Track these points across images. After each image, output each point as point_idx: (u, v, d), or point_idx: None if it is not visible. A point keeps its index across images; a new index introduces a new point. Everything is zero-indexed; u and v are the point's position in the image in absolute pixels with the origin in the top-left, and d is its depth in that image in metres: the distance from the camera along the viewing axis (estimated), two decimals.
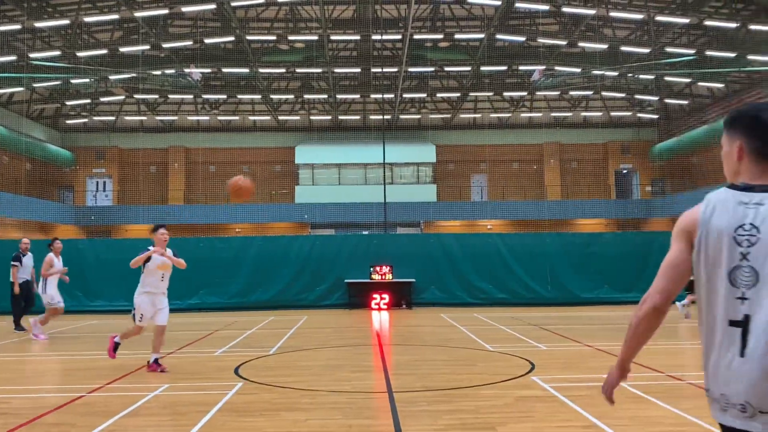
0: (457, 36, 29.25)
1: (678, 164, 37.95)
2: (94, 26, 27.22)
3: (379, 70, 32.46)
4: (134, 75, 30.79)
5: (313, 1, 25.84)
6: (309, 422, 5.75)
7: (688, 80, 33.25)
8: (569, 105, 39.51)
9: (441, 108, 39.84)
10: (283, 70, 32.74)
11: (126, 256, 15.27)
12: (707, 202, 2.23)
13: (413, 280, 18.41)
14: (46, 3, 25.81)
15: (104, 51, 28.17)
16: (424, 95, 37.15)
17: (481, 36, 28.63)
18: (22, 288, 12.99)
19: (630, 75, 32.25)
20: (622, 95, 37.27)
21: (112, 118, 39.48)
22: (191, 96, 36.07)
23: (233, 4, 25.06)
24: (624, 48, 28.87)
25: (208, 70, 31.47)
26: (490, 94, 37.06)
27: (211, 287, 18.04)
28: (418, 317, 15.89)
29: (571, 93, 36.80)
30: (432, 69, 32.64)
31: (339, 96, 36.66)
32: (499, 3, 25.08)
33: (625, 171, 41.23)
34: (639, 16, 26.03)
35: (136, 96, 35.71)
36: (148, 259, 8.51)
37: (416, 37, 28.22)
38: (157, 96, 36.30)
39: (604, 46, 29.06)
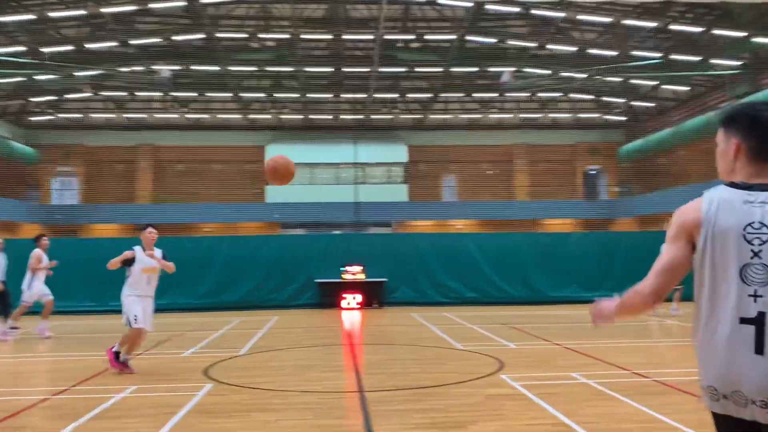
0: (428, 37, 29.38)
1: (644, 165, 38.71)
2: (61, 21, 26.67)
3: (351, 69, 32.45)
4: (101, 72, 30.26)
5: None
6: (279, 423, 5.73)
7: (654, 83, 33.91)
8: (538, 106, 39.97)
9: (412, 108, 39.97)
10: (254, 69, 32.50)
11: (93, 256, 14.93)
12: (709, 201, 2.23)
13: (385, 279, 18.45)
14: None
15: (70, 47, 27.62)
16: (395, 95, 37.23)
17: (452, 37, 28.80)
18: None
19: (598, 77, 32.75)
20: (590, 97, 37.85)
21: (79, 115, 38.72)
22: (160, 93, 35.58)
23: (203, 0, 24.79)
24: (592, 51, 29.32)
25: (178, 68, 31.07)
26: (461, 95, 37.31)
27: (180, 287, 17.78)
28: (389, 317, 15.93)
29: (540, 95, 37.25)
30: (403, 69, 32.73)
31: (310, 95, 36.51)
32: (470, 4, 25.26)
33: (592, 172, 41.88)
34: (607, 20, 26.46)
35: (103, 93, 35.10)
36: (131, 261, 8.23)
37: (387, 37, 28.27)
38: (125, 93, 35.73)
39: (573, 49, 29.48)
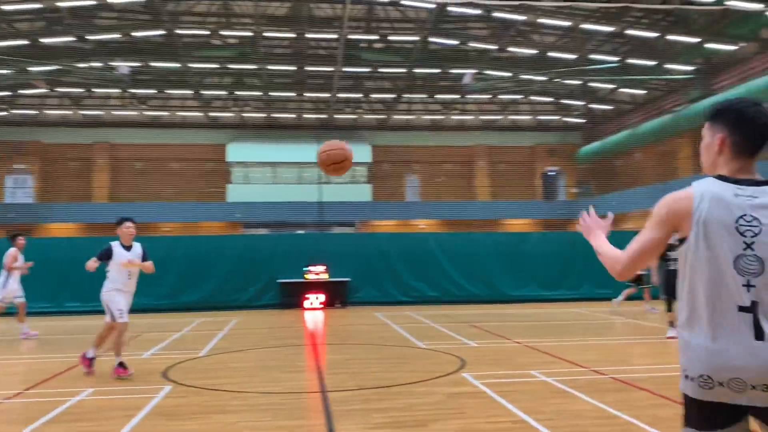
0: (392, 37, 29.47)
1: (601, 167, 39.55)
2: (14, 15, 25.88)
3: (314, 68, 32.32)
4: (57, 67, 29.49)
5: None
6: (240, 424, 5.68)
7: (611, 86, 34.66)
8: (499, 108, 40.47)
9: (376, 109, 40.04)
10: (215, 66, 32.11)
11: (48, 256, 14.59)
12: (699, 194, 2.28)
13: (348, 279, 18.43)
14: None
15: (25, 41, 26.85)
16: (359, 95, 37.24)
17: (415, 38, 28.95)
18: None
19: (557, 80, 33.34)
20: (550, 100, 38.51)
21: (34, 111, 37.66)
22: (118, 90, 34.87)
23: None
24: (551, 54, 29.83)
25: (136, 64, 30.49)
26: (424, 96, 37.53)
27: (138, 288, 17.42)
28: (352, 316, 15.92)
29: (501, 97, 37.72)
30: (367, 69, 32.77)
31: (273, 93, 36.26)
32: (433, 6, 25.42)
33: (551, 173, 42.62)
34: (566, 23, 26.96)
35: (59, 89, 34.21)
36: (108, 256, 7.99)
37: (351, 37, 28.26)
38: (81, 90, 34.89)
39: (533, 52, 29.94)
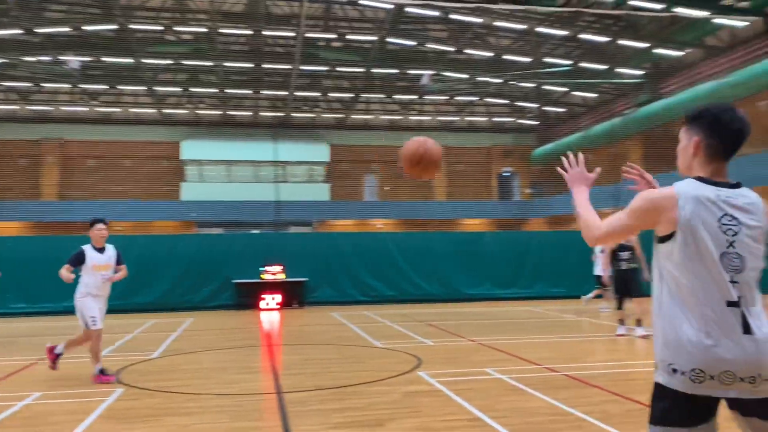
0: (350, 37, 29.44)
1: (554, 168, 40.26)
2: None
3: (271, 66, 32.04)
4: (4, 61, 28.47)
5: None
6: (194, 427, 5.61)
7: (564, 89, 35.38)
8: (456, 109, 40.87)
9: (334, 108, 39.93)
10: (169, 62, 31.50)
11: None
12: (683, 194, 2.36)
13: (305, 279, 18.34)
14: None
15: None
16: (317, 94, 37.08)
17: (373, 38, 28.99)
18: None
19: (512, 82, 33.85)
20: (505, 102, 39.08)
21: None
22: (68, 85, 33.87)
23: None
24: (507, 56, 30.27)
25: (87, 59, 29.67)
26: (382, 96, 37.61)
27: None
28: (309, 316, 15.85)
29: (458, 98, 38.09)
30: (325, 68, 32.66)
31: (229, 91, 35.79)
32: (391, 6, 25.49)
33: (506, 174, 43.28)
34: (521, 27, 27.39)
35: (5, 83, 33.04)
36: (81, 261, 7.69)
37: (309, 35, 28.11)
38: (29, 84, 33.76)
39: (489, 54, 30.33)
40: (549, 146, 39.87)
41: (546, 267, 19.37)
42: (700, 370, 2.27)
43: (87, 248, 7.85)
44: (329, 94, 37.31)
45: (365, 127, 41.48)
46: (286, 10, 28.05)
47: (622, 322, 11.21)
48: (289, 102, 37.07)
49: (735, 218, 2.34)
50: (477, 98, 38.24)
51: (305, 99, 38.25)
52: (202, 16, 27.48)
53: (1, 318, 15.62)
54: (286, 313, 16.80)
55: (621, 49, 28.79)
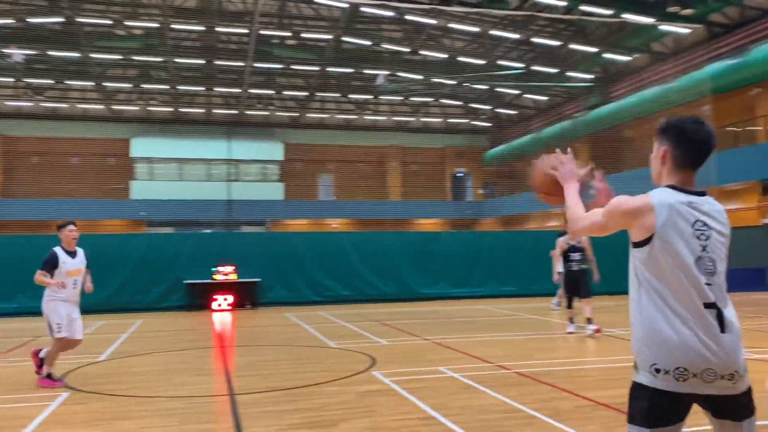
0: (305, 35, 29.27)
1: (506, 169, 41.02)
2: None
3: (225, 63, 31.59)
4: None
5: None
6: (143, 430, 5.49)
7: (516, 92, 35.97)
8: (410, 110, 41.09)
9: (289, 106, 39.63)
10: (119, 57, 30.71)
11: None
12: (658, 202, 2.47)
13: (258, 279, 18.15)
14: None
15: None
16: (271, 92, 36.74)
17: (328, 37, 28.89)
18: None
19: (466, 84, 34.23)
20: (459, 103, 39.50)
21: None
22: (11, 79, 32.65)
23: None
24: (461, 58, 30.59)
25: (32, 52, 28.67)
26: (337, 95, 37.52)
27: (32, 290, 16.40)
28: (262, 317, 15.71)
29: (413, 98, 38.31)
30: (279, 66, 32.38)
31: (181, 87, 35.12)
32: (346, 5, 25.46)
33: (460, 174, 43.77)
34: (475, 29, 27.73)
35: None
36: (55, 265, 7.34)
37: (263, 32, 27.83)
38: None
39: (444, 56, 30.60)
40: (501, 148, 40.52)
41: (498, 266, 19.68)
42: (684, 369, 2.36)
43: (59, 251, 7.52)
44: (284, 92, 37.02)
45: (320, 126, 41.32)
46: (239, 6, 27.70)
47: (572, 320, 11.48)
48: (243, 99, 36.63)
49: (706, 224, 2.47)
50: (432, 99, 38.53)
51: (259, 97, 37.85)
52: (153, 11, 26.90)
53: None
54: (239, 314, 16.60)
55: (571, 53, 29.45)
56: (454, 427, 5.35)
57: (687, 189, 2.53)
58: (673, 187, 2.54)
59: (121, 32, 28.97)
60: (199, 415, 6.08)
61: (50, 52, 29.19)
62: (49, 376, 7.41)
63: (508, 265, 19.59)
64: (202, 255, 17.96)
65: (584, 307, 11.11)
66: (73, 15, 25.56)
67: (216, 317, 15.98)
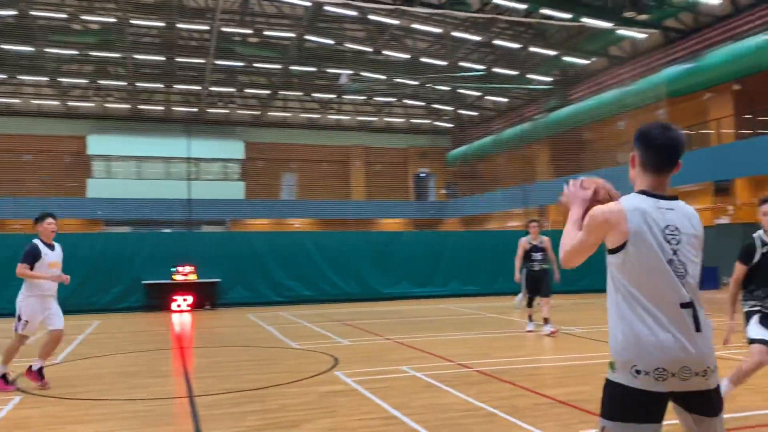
0: (267, 33, 29.03)
1: (468, 170, 41.45)
2: None
3: (185, 60, 31.11)
4: None
5: None
6: None
7: (478, 94, 36.33)
8: (374, 110, 41.12)
9: (250, 104, 39.22)
10: (74, 52, 29.96)
11: None
12: (631, 209, 2.55)
13: (218, 279, 17.94)
14: None
15: None
16: (232, 90, 36.32)
17: (291, 35, 28.71)
18: None
19: (428, 85, 34.42)
20: (422, 104, 39.70)
21: None
22: None
23: None
24: (423, 59, 30.76)
25: None
26: (300, 94, 37.30)
27: None
28: (222, 318, 15.53)
29: (376, 98, 38.36)
30: (241, 64, 32.04)
31: (139, 84, 34.44)
32: (309, 4, 25.35)
33: (423, 175, 44.00)
34: (438, 30, 27.91)
35: None
36: (37, 258, 7.13)
37: (225, 29, 27.50)
38: None
39: (406, 56, 30.71)
40: (463, 148, 40.90)
41: (460, 266, 19.86)
42: (663, 369, 2.44)
43: (39, 244, 7.34)
44: (246, 90, 36.64)
45: (283, 124, 41.02)
46: (200, 2, 27.32)
47: (531, 318, 11.67)
48: (204, 97, 36.13)
49: (676, 228, 2.55)
50: (395, 99, 38.63)
51: (220, 94, 37.39)
52: (111, 6, 26.32)
53: None
54: (199, 315, 16.39)
55: (531, 55, 29.89)
56: (415, 426, 5.39)
57: (658, 194, 2.61)
58: (643, 192, 2.63)
59: (78, 27, 28.27)
60: (158, 417, 5.99)
61: (3, 46, 28.28)
62: (3, 377, 7.20)
63: (470, 264, 19.79)
64: (161, 255, 17.67)
65: (543, 306, 11.30)
66: (26, 8, 24.84)
67: (175, 318, 15.74)
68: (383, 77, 33.19)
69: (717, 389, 2.55)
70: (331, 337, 11.35)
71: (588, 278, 18.05)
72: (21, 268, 7.14)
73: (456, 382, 7.12)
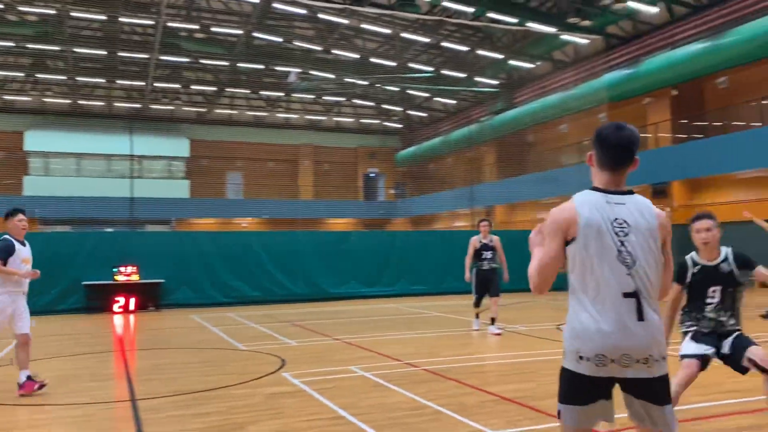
0: (214, 29, 28.55)
1: (417, 170, 41.78)
2: None
3: (128, 54, 30.29)
4: None
5: None
6: None
7: (426, 95, 36.66)
8: (323, 109, 40.97)
9: (196, 101, 38.49)
10: (10, 44, 28.78)
11: None
12: (580, 203, 2.69)
13: (162, 280, 17.55)
14: None
15: None
16: (177, 86, 35.56)
17: (239, 32, 28.32)
18: None
19: (378, 85, 34.52)
20: (371, 104, 39.77)
21: None
22: None
23: None
24: (373, 59, 30.83)
25: None
26: (247, 91, 36.83)
27: None
28: (166, 319, 15.20)
29: (325, 98, 38.22)
30: (186, 60, 31.40)
31: (80, 78, 33.34)
32: (257, 0, 25.06)
33: (372, 175, 44.10)
34: (387, 31, 28.03)
35: None
36: (11, 253, 6.83)
37: (170, 24, 26.90)
38: None
39: (356, 56, 30.73)
40: (412, 149, 41.19)
41: (408, 265, 20.00)
42: (603, 355, 2.58)
43: (11, 239, 7.07)
44: (191, 87, 35.94)
45: (229, 122, 40.42)
46: None
47: (477, 316, 11.85)
48: (147, 93, 35.25)
49: (625, 221, 2.69)
50: (344, 99, 38.58)
51: (164, 91, 36.55)
52: None
53: None
54: (142, 317, 16.00)
55: (479, 58, 30.34)
56: (362, 425, 5.41)
57: (609, 189, 2.76)
58: (595, 188, 2.79)
59: (13, 18, 27.18)
60: (100, 422, 5.84)
61: None
62: (29, 378, 6.95)
63: (418, 264, 19.95)
64: (102, 255, 17.17)
65: (492, 306, 11.47)
66: None
67: (117, 320, 15.33)
68: (332, 76, 33.11)
69: (663, 378, 2.67)
70: (279, 338, 11.26)
71: None
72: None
73: (403, 381, 7.18)
